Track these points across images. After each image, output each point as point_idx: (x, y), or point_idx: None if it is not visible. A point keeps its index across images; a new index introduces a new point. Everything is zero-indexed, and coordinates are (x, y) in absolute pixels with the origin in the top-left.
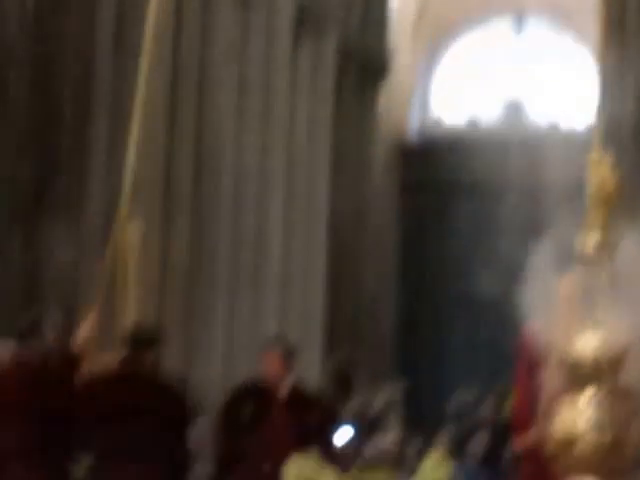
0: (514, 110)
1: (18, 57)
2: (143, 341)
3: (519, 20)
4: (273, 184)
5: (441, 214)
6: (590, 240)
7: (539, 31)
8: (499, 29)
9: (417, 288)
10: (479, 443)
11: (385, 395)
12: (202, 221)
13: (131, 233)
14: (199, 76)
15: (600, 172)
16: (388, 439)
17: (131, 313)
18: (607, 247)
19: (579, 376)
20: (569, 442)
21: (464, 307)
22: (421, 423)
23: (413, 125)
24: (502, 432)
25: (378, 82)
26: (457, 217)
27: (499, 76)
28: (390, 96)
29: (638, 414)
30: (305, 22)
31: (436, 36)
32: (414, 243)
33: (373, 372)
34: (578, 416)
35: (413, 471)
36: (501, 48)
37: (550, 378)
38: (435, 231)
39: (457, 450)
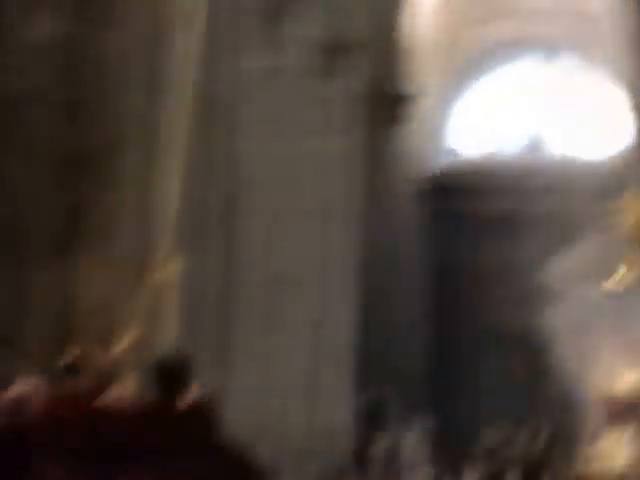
0: (537, 143)
1: (50, 96)
2: (173, 373)
3: (547, 55)
4: (305, 218)
5: (469, 246)
6: (628, 277)
7: (565, 65)
8: (523, 64)
9: (448, 322)
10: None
11: (416, 432)
12: (235, 258)
13: (170, 268)
14: (227, 115)
15: (637, 211)
16: (418, 476)
17: (167, 345)
18: None
19: (616, 411)
20: (608, 477)
21: (496, 341)
22: (452, 460)
23: (436, 157)
24: (534, 470)
25: (402, 116)
26: (485, 249)
27: (522, 109)
28: (414, 130)
29: None
30: (334, 58)
31: (462, 68)
32: (444, 275)
33: (404, 407)
34: (617, 452)
35: None
36: (525, 82)
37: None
38: (464, 263)
39: None
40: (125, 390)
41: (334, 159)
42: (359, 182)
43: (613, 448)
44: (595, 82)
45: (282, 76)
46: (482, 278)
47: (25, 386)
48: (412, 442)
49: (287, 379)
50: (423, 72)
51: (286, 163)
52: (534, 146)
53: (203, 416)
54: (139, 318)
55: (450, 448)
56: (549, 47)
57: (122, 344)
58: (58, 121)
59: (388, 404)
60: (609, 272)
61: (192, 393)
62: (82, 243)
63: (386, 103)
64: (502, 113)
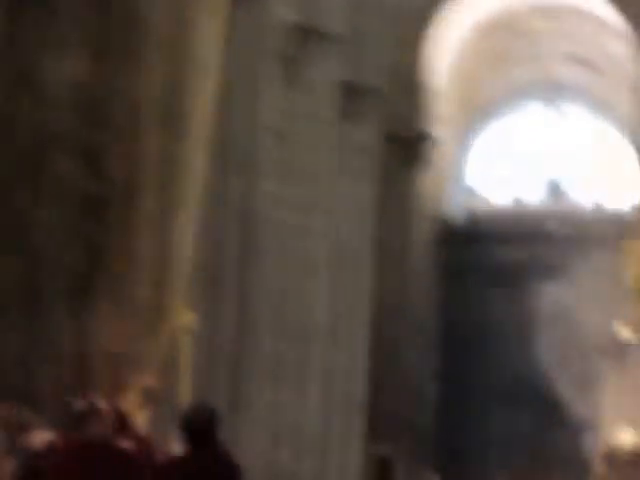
0: (556, 191)
1: (69, 141)
2: (202, 425)
3: (557, 105)
4: (318, 269)
5: (483, 299)
6: (627, 332)
7: (577, 115)
8: (538, 112)
9: (458, 377)
10: None
11: None
12: (247, 309)
13: (185, 318)
14: (246, 159)
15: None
16: None
17: (185, 394)
18: None
19: (615, 469)
20: None
21: (506, 398)
22: None
23: (454, 205)
24: None
25: (420, 160)
26: (499, 304)
27: (540, 157)
28: (431, 176)
29: None
30: (348, 104)
31: (476, 115)
32: (456, 328)
33: (413, 464)
34: None
35: None
36: (541, 130)
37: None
38: (477, 316)
39: None
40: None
41: (350, 204)
42: (374, 229)
43: None
44: (605, 132)
45: (299, 120)
46: (493, 332)
47: (46, 433)
48: None
49: (298, 430)
50: (440, 118)
51: (302, 208)
52: (554, 192)
53: (230, 467)
54: (155, 366)
55: None
56: (561, 95)
57: (136, 391)
58: (78, 165)
59: (399, 457)
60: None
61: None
62: (100, 289)
63: (403, 147)
64: (520, 159)
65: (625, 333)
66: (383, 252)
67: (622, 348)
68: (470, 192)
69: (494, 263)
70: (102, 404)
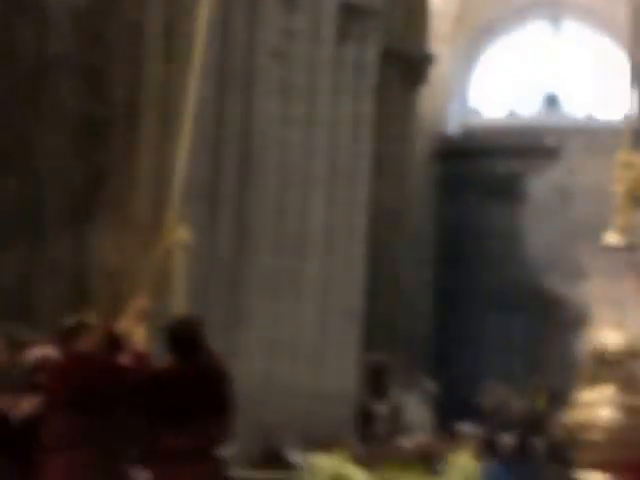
0: (552, 104)
1: (70, 64)
2: (186, 335)
3: (556, 20)
4: (316, 185)
5: (479, 210)
6: (617, 239)
7: (575, 31)
8: (537, 28)
9: (452, 286)
10: (509, 441)
11: (417, 394)
12: (246, 222)
13: (180, 234)
14: (245, 79)
15: (629, 173)
16: (418, 438)
17: (180, 309)
18: (634, 248)
19: (602, 368)
20: (588, 426)
21: (499, 306)
22: (453, 421)
23: (453, 118)
24: (534, 430)
25: (420, 78)
26: (494, 214)
27: (536, 71)
28: (431, 91)
29: None
30: (348, 22)
31: (476, 34)
32: (451, 239)
33: (408, 370)
34: (599, 405)
35: (444, 469)
36: (539, 45)
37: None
38: (472, 227)
39: (487, 448)
40: (137, 351)
41: (349, 121)
42: (373, 145)
43: (598, 399)
44: (604, 49)
45: (298, 40)
46: (486, 242)
47: (44, 348)
48: (414, 405)
49: (294, 343)
50: (440, 37)
51: (301, 126)
52: (550, 106)
53: (217, 375)
54: (151, 281)
55: (453, 410)
56: (557, 13)
57: (131, 308)
58: (79, 88)
59: (392, 365)
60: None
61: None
62: (100, 209)
63: (403, 66)
64: (518, 74)
65: (613, 238)
66: (382, 167)
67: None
68: (469, 109)
69: (488, 175)
70: (92, 319)
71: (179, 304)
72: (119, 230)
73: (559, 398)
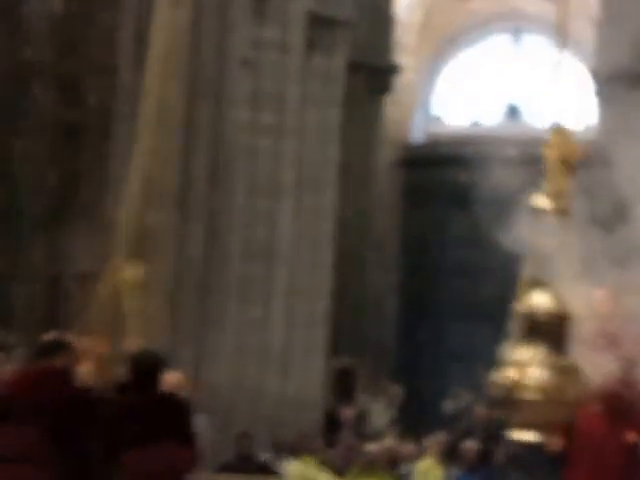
0: (513, 113)
1: (46, 71)
2: (148, 366)
3: (518, 32)
4: (284, 192)
5: (443, 219)
6: (547, 205)
7: (536, 43)
8: (499, 39)
9: (418, 293)
10: (472, 447)
11: (383, 399)
12: (215, 229)
13: (130, 273)
14: (215, 87)
15: (561, 142)
16: (384, 443)
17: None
18: (564, 213)
19: (533, 328)
20: (520, 386)
21: (464, 313)
22: (417, 427)
23: (417, 127)
24: (495, 436)
25: (385, 88)
26: (459, 222)
27: (499, 82)
28: (396, 101)
29: (577, 375)
30: (316, 32)
31: (440, 44)
32: (416, 247)
33: (374, 375)
34: (530, 365)
35: (407, 475)
36: (501, 56)
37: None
38: (437, 235)
39: (450, 454)
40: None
41: (316, 130)
42: (340, 154)
43: (530, 359)
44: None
45: (266, 50)
46: (450, 250)
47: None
48: (380, 410)
49: (262, 347)
50: (406, 48)
51: (270, 134)
52: (512, 117)
53: (177, 405)
54: (102, 324)
55: (417, 416)
56: (519, 25)
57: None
58: (54, 95)
59: (358, 371)
60: None
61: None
62: (74, 212)
63: (369, 76)
64: (481, 85)
65: (542, 202)
66: (348, 176)
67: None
68: (433, 119)
69: (451, 184)
70: (69, 338)
71: (134, 343)
72: (92, 232)
73: None
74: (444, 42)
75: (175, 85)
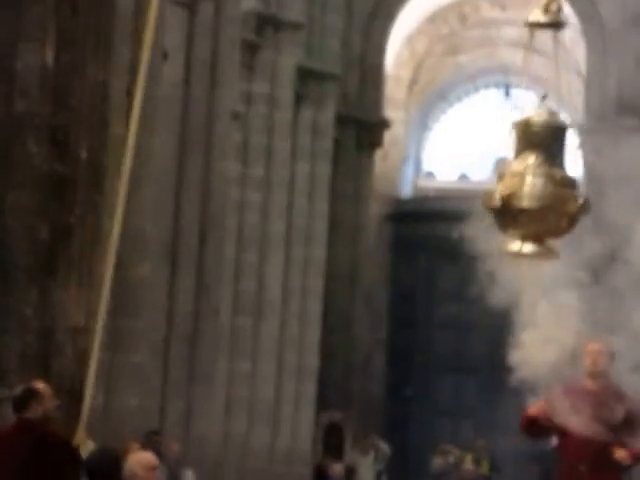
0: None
1: (37, 123)
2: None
3: (506, 87)
4: (273, 245)
5: (431, 273)
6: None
7: (524, 98)
8: (488, 94)
9: (405, 347)
10: None
11: (372, 454)
12: (205, 283)
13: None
14: (205, 141)
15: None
16: None
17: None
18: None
19: (529, 139)
20: (516, 195)
21: (452, 368)
22: None
23: (406, 181)
24: None
25: (375, 142)
26: (446, 276)
27: (488, 136)
28: (385, 154)
29: (574, 187)
30: (306, 86)
31: (429, 99)
32: (404, 301)
33: (362, 431)
34: (525, 174)
35: None
36: (489, 110)
37: None
38: (425, 289)
39: None
40: None
41: (306, 183)
42: (329, 207)
43: (524, 168)
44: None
45: (256, 104)
46: (439, 304)
47: None
48: (367, 465)
49: (251, 401)
50: (394, 102)
51: (260, 187)
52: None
53: None
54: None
55: (405, 472)
56: (508, 80)
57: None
58: (45, 148)
59: (347, 426)
60: None
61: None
62: (64, 266)
63: (358, 129)
64: (470, 139)
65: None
66: (337, 229)
67: None
68: (421, 173)
69: (439, 239)
70: (40, 386)
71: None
72: (82, 287)
73: (499, 466)
74: (433, 96)
75: (168, 139)
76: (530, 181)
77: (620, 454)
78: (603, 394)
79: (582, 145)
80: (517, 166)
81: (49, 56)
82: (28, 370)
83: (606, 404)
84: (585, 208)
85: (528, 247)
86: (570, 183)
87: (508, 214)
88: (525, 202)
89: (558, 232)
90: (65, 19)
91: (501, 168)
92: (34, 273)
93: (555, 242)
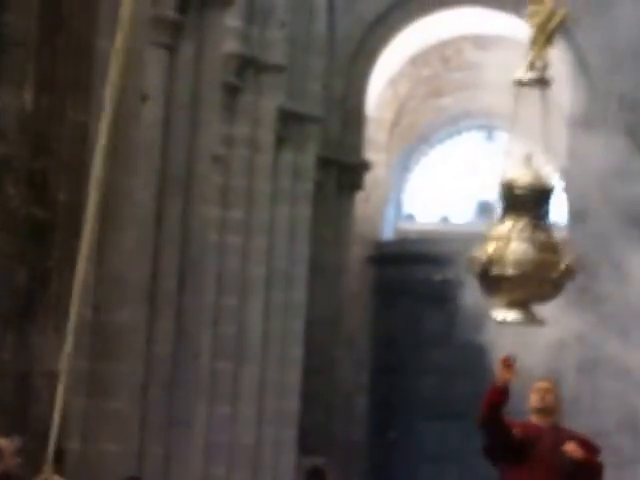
0: (484, 210)
1: (15, 166)
2: None
3: (489, 130)
4: (254, 289)
5: (414, 317)
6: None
7: (506, 141)
8: (470, 137)
9: (388, 391)
10: None
11: None
12: (184, 327)
13: None
14: (185, 183)
15: (541, 8)
16: None
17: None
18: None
19: (513, 200)
20: (496, 263)
21: (435, 413)
22: None
23: (388, 224)
24: None
25: (355, 184)
26: (429, 320)
27: (470, 179)
28: (366, 197)
29: (557, 252)
30: (286, 128)
31: (411, 141)
32: (387, 345)
33: (344, 476)
34: (509, 239)
35: None
36: (471, 153)
37: None
38: (408, 333)
39: None
40: None
41: (286, 226)
42: (310, 250)
43: (508, 233)
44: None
45: (236, 146)
46: (421, 348)
47: None
48: None
49: (231, 445)
50: (375, 144)
51: (239, 231)
52: (483, 212)
53: None
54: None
55: None
56: (490, 123)
57: None
58: (24, 192)
59: (329, 470)
60: None
61: None
62: (43, 310)
63: (339, 172)
64: (452, 182)
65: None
66: (318, 272)
67: None
68: (403, 215)
69: (421, 282)
70: (1, 442)
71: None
72: (60, 331)
73: None
74: (415, 139)
75: (148, 181)
76: (513, 247)
77: (571, 447)
78: (551, 432)
79: (565, 190)
80: (501, 229)
81: (28, 99)
82: (4, 414)
83: (555, 444)
84: (569, 273)
85: (512, 315)
86: (553, 248)
87: (492, 280)
88: (508, 270)
89: (543, 298)
90: (45, 62)
91: (487, 229)
92: (11, 317)
93: (541, 308)
